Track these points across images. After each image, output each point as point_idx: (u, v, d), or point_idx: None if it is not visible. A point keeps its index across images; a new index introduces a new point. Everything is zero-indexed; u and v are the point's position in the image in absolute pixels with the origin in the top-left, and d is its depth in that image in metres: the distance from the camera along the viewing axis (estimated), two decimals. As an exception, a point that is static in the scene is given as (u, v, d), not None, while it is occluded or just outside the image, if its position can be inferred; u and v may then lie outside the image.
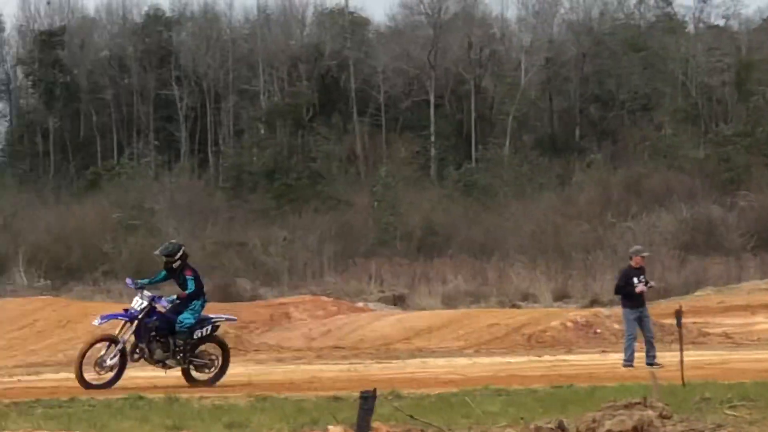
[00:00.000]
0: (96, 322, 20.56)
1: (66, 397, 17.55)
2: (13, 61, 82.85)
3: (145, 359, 19.78)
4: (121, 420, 13.27)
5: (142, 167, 74.97)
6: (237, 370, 21.41)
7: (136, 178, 70.93)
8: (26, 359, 28.92)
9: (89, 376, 19.59)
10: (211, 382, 20.10)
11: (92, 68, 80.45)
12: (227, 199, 71.20)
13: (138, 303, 19.65)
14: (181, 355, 19.66)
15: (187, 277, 19.76)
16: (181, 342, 19.59)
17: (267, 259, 59.86)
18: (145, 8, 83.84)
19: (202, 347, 20.02)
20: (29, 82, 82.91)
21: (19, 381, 23.05)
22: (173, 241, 21.53)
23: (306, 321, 35.28)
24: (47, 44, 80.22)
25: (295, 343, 32.15)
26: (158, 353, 19.60)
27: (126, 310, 19.99)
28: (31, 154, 79.39)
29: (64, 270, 59.44)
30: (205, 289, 20.50)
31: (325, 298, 40.11)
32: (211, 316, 20.47)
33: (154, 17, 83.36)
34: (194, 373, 20.06)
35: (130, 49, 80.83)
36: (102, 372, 19.59)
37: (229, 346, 21.02)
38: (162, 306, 19.57)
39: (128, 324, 19.64)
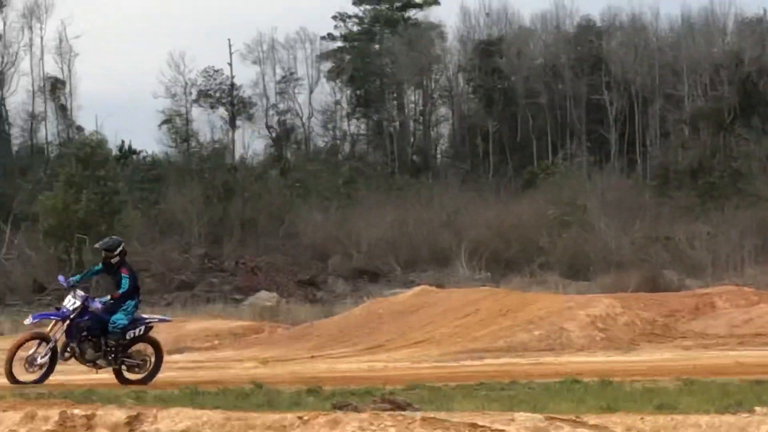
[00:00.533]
0: (28, 321, 19.48)
1: (507, 380, 17.81)
2: (455, 68, 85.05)
3: (76, 358, 18.55)
4: (559, 402, 13.26)
5: (575, 167, 75.40)
6: (664, 356, 21.09)
7: (569, 177, 71.32)
8: (469, 345, 29.59)
9: (19, 372, 18.49)
10: (144, 382, 18.79)
11: (528, 75, 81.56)
12: (654, 197, 70.61)
13: (70, 302, 18.27)
14: (113, 355, 18.44)
15: (123, 275, 18.38)
16: (113, 342, 18.36)
17: (692, 253, 58.95)
18: (578, 19, 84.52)
19: (135, 347, 18.77)
20: (470, 88, 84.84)
21: (463, 365, 23.57)
22: (114, 236, 20.25)
23: (729, 310, 34.49)
24: (486, 53, 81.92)
25: (719, 330, 31.76)
26: (89, 353, 18.34)
27: (58, 309, 18.78)
28: (471, 155, 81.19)
29: (503, 263, 60.41)
30: (141, 289, 19.45)
31: (747, 289, 39.06)
32: (144, 316, 19.41)
33: (586, 27, 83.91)
34: (126, 374, 18.86)
35: (564, 57, 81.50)
36: (31, 369, 18.47)
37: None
38: (95, 307, 18.23)
39: (60, 323, 18.33)
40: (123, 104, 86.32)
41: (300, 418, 8.85)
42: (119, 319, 18.23)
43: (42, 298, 49.25)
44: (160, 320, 20.19)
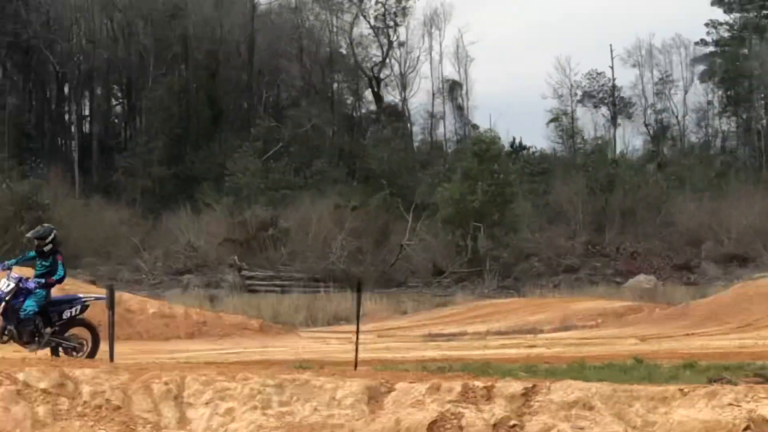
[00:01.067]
0: None
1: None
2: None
3: (14, 341, 16.89)
4: None
5: None
6: None
7: None
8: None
9: None
10: None
11: None
12: None
13: (5, 284, 16.81)
14: (48, 337, 16.76)
15: (59, 262, 16.96)
16: (52, 323, 16.82)
17: None
18: None
19: (72, 331, 17.11)
20: None
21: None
22: (45, 224, 18.00)
23: None
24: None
25: None
26: (26, 335, 16.72)
27: None
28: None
29: None
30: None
31: None
32: (80, 295, 17.90)
33: None
34: (63, 356, 16.84)
35: None
36: None
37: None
38: (28, 287, 16.66)
39: None
40: (513, 105, 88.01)
41: (680, 390, 9.09)
42: (29, 306, 16.58)
43: (441, 281, 51.23)
44: (96, 298, 17.72)
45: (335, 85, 72.48)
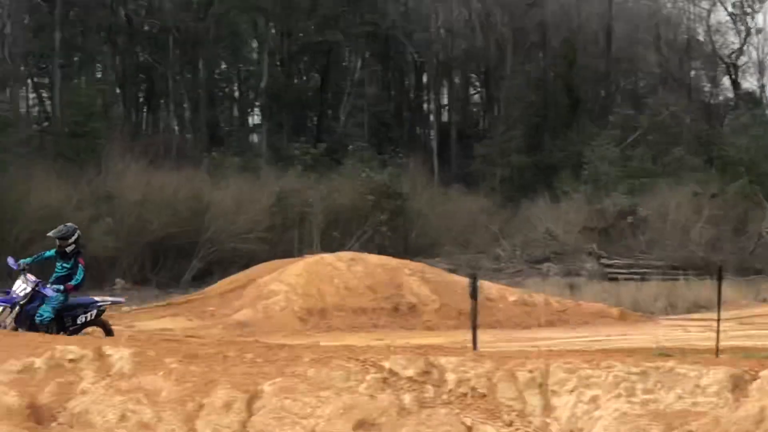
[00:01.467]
0: None
1: None
2: None
3: None
4: None
5: None
6: None
7: None
8: None
9: None
10: None
11: None
12: None
13: (21, 288, 16.23)
14: None
15: (80, 266, 16.28)
16: (62, 329, 16.09)
17: None
18: None
19: (86, 330, 16.57)
20: None
21: None
22: (69, 224, 17.07)
23: None
24: None
25: None
26: None
27: (6, 293, 16.58)
28: None
29: None
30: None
31: None
32: (96, 299, 17.14)
33: None
34: None
35: None
36: None
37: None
38: (45, 293, 15.99)
39: (8, 309, 16.23)
40: None
41: None
42: (45, 312, 16.11)
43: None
44: (113, 302, 18.04)
45: (692, 73, 71.34)
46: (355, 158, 54.23)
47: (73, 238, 16.35)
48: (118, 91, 59.24)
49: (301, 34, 63.40)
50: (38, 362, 9.51)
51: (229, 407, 9.14)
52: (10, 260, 16.41)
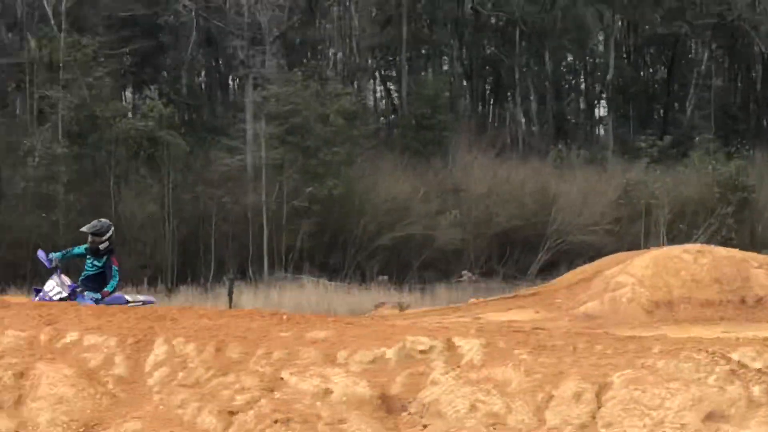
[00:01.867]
0: None
1: None
2: None
3: None
4: None
5: None
6: None
7: None
8: None
9: None
10: None
11: None
12: None
13: (55, 291, 14.73)
14: None
15: (114, 267, 14.96)
16: None
17: None
18: None
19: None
20: None
21: None
22: (103, 219, 15.52)
23: None
24: None
25: None
26: None
27: (37, 292, 15.19)
28: None
29: None
30: None
31: None
32: (127, 297, 15.57)
33: None
34: None
35: None
36: None
37: None
38: (85, 304, 13.63)
39: None
40: None
41: None
42: None
43: None
44: (144, 302, 16.26)
45: None
46: (701, 150, 53.15)
47: (107, 235, 15.18)
48: (464, 83, 60.09)
49: (647, 27, 62.54)
50: (389, 353, 9.71)
51: (579, 398, 9.07)
52: (41, 254, 15.33)
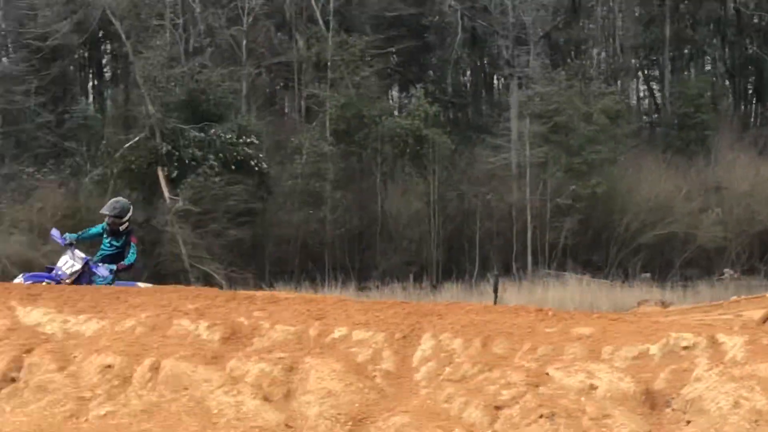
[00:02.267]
0: (18, 280, 14.32)
1: None
2: None
3: None
4: None
5: None
6: None
7: None
8: None
9: None
10: None
11: None
12: None
13: (68, 265, 14.19)
14: None
15: (132, 244, 14.49)
16: None
17: None
18: None
19: None
20: None
21: None
22: (121, 199, 15.02)
23: None
24: None
25: None
26: None
27: (50, 270, 14.49)
28: None
29: None
30: None
31: None
32: (139, 284, 14.43)
33: None
34: None
35: None
36: None
37: None
38: (100, 274, 14.02)
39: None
40: None
41: None
42: None
43: None
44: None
45: None
46: None
47: (128, 216, 14.75)
48: (727, 82, 58.49)
49: None
50: (653, 349, 9.61)
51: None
52: (55, 233, 14.84)
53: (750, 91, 61.34)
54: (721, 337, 9.67)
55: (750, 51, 59.53)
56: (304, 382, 9.20)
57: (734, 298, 28.45)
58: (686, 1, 57.85)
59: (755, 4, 57.88)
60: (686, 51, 60.03)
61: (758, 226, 45.59)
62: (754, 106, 61.06)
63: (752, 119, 59.24)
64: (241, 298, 11.05)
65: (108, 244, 14.65)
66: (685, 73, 57.67)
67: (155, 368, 9.37)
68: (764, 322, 11.44)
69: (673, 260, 44.96)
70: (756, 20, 59.06)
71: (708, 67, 60.02)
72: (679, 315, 23.64)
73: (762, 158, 48.47)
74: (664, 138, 51.47)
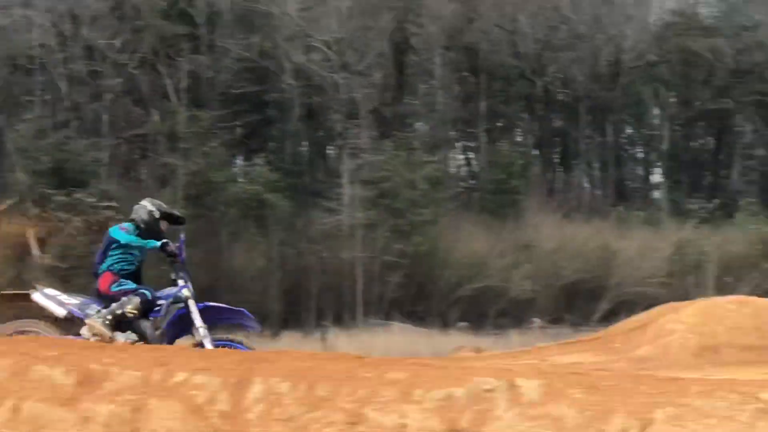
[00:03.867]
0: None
1: None
2: None
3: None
4: None
5: None
6: None
7: None
8: None
9: None
10: None
11: None
12: None
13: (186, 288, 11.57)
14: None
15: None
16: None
17: None
18: None
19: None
20: None
21: None
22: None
23: None
24: None
25: None
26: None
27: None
28: None
29: None
30: None
31: None
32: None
33: None
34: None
35: None
36: None
37: None
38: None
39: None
40: None
41: None
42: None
43: None
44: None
45: None
46: (746, 212, 52.82)
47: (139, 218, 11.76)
48: (535, 152, 60.16)
49: (697, 102, 62.44)
50: (459, 392, 9.81)
51: (626, 433, 9.15)
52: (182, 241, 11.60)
53: (555, 160, 63.23)
54: (520, 381, 9.91)
55: (556, 124, 61.48)
56: (148, 422, 9.37)
57: (539, 345, 29.26)
58: (500, 81, 59.42)
59: (561, 83, 59.89)
60: (499, 124, 61.59)
61: (563, 280, 46.84)
62: (559, 173, 62.94)
63: (558, 185, 61.02)
64: (94, 347, 11.05)
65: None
66: (498, 143, 59.07)
67: (16, 410, 9.46)
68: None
69: (488, 311, 45.73)
70: (561, 97, 61.06)
71: (519, 139, 61.64)
72: (491, 360, 24.19)
73: (566, 220, 49.95)
74: (480, 202, 52.52)
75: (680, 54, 59.66)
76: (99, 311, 11.50)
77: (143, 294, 11.47)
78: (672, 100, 61.99)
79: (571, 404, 9.51)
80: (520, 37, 57.79)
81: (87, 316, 11.52)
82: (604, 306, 46.20)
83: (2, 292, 12.61)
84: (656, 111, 64.13)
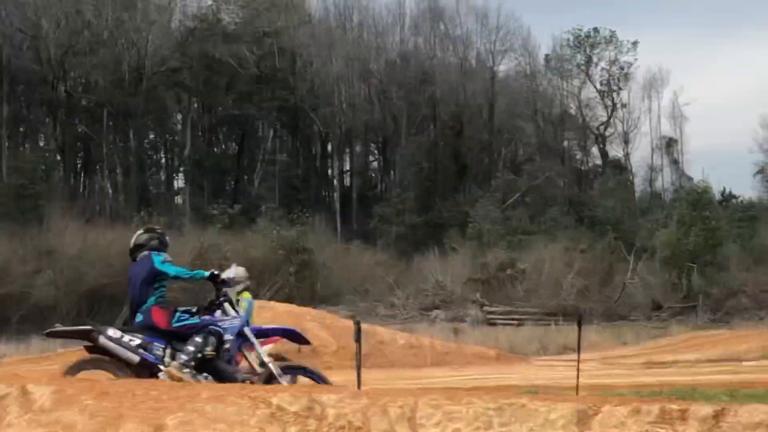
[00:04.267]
0: None
1: None
2: None
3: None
4: None
5: None
6: None
7: None
8: None
9: None
10: None
11: None
12: None
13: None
14: None
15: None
16: None
17: None
18: None
19: None
20: None
21: None
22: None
23: None
24: None
25: None
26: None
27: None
28: None
29: None
30: None
31: None
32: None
33: None
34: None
35: None
36: None
37: None
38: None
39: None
40: (724, 158, 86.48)
41: None
42: None
43: (659, 315, 50.33)
44: None
45: (566, 143, 72.92)
46: (268, 217, 54.50)
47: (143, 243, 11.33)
48: (58, 158, 58.67)
49: (220, 108, 63.77)
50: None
51: (134, 439, 9.17)
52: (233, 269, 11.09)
53: (79, 165, 62.04)
54: (31, 387, 9.67)
55: (79, 130, 60.28)
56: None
57: (60, 350, 28.47)
58: (22, 86, 57.34)
59: (83, 88, 58.81)
60: (22, 129, 59.44)
61: (86, 286, 45.96)
62: (82, 178, 61.80)
63: (81, 190, 59.90)
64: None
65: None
66: (21, 148, 56.98)
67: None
68: (66, 374, 11.57)
69: (10, 317, 43.94)
70: (84, 103, 60.00)
71: (42, 143, 59.82)
72: (12, 366, 23.17)
73: (89, 225, 49.09)
74: (1, 207, 50.31)
75: (203, 60, 60.53)
76: (170, 352, 10.51)
77: (218, 332, 10.53)
78: (195, 105, 62.96)
79: (82, 410, 9.40)
80: (42, 41, 56.08)
81: (161, 361, 10.50)
82: (126, 311, 46.00)
83: (55, 329, 11.54)
84: (179, 117, 64.83)
